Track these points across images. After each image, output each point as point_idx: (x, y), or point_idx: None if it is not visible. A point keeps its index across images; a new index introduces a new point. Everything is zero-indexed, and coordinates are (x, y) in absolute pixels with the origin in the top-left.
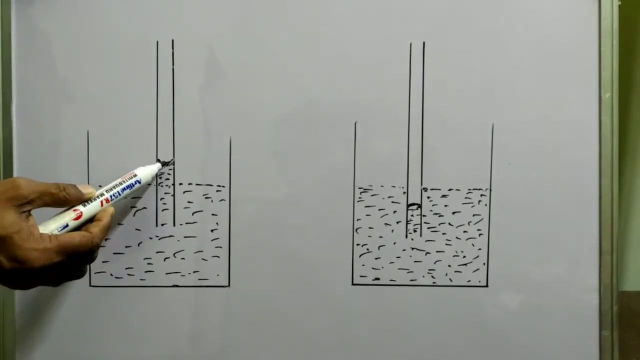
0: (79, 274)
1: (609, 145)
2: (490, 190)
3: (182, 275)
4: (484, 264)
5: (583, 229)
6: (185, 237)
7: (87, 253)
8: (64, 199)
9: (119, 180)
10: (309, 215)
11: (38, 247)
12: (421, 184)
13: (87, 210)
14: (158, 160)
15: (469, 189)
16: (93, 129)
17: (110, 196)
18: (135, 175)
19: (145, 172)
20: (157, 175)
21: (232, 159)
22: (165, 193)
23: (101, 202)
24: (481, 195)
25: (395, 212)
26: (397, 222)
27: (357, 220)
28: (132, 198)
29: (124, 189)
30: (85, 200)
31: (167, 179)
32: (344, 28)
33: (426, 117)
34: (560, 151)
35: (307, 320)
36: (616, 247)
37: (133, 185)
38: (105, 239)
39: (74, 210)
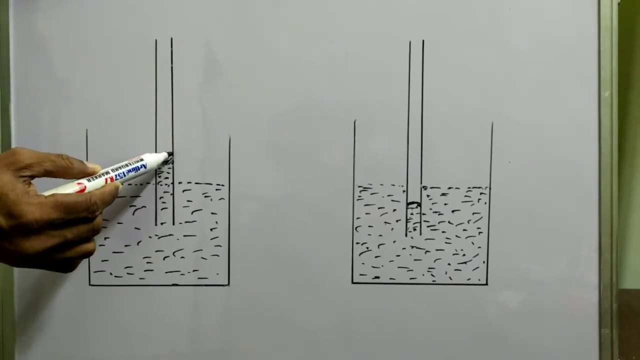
0: (86, 250)
1: (608, 144)
2: (490, 188)
3: (182, 274)
4: (484, 262)
5: (583, 227)
6: (184, 236)
7: (85, 212)
8: (65, 166)
9: (126, 162)
10: (309, 213)
11: (33, 201)
12: (421, 183)
13: (90, 186)
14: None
15: (469, 187)
16: (91, 128)
17: (115, 176)
18: (141, 160)
19: (152, 158)
20: (157, 172)
21: (232, 157)
22: (165, 192)
23: (105, 180)
24: (481, 193)
25: (395, 210)
26: (397, 221)
27: (357, 218)
28: (131, 197)
29: (129, 171)
30: (89, 174)
31: (167, 177)
32: (343, 26)
33: (425, 115)
34: (560, 149)
35: (307, 319)
36: (616, 245)
37: (138, 169)
38: (105, 238)
39: (78, 184)
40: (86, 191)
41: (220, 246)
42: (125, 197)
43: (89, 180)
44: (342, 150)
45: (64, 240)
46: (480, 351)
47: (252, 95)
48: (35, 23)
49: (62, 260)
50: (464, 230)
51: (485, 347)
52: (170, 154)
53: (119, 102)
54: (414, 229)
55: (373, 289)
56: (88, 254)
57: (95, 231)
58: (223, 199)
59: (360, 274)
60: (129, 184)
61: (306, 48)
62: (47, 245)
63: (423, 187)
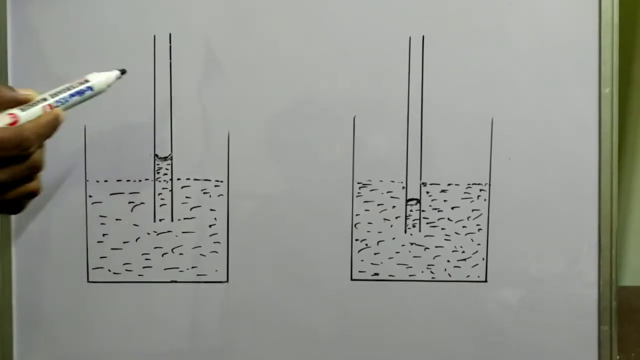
0: (28, 190)
1: (608, 140)
2: (490, 185)
3: (181, 271)
4: (483, 259)
5: (582, 224)
6: (183, 232)
7: (16, 150)
8: None
9: (67, 85)
10: (308, 210)
11: None
12: (420, 179)
13: (25, 116)
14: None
15: (468, 184)
16: (90, 125)
17: (56, 102)
18: (87, 81)
19: (100, 78)
20: (156, 168)
21: (231, 154)
22: (163, 188)
23: (43, 108)
24: (480, 190)
25: (394, 207)
26: (396, 218)
27: (356, 215)
28: (130, 193)
29: (72, 95)
30: (21, 102)
31: (165, 174)
32: (343, 22)
33: (425, 112)
34: (560, 146)
35: (306, 316)
36: (615, 243)
37: (83, 92)
38: (103, 234)
39: (9, 115)
40: (20, 122)
41: (219, 243)
42: (123, 193)
43: (22, 110)
44: (341, 147)
45: None
46: (479, 348)
47: (251, 91)
48: (32, 19)
49: (3, 202)
50: (464, 227)
51: (484, 344)
52: (123, 71)
53: (118, 98)
54: (414, 226)
55: (372, 286)
56: (33, 195)
57: (36, 168)
58: (222, 195)
59: (360, 271)
60: (127, 180)
61: (306, 44)
62: None
63: (422, 183)
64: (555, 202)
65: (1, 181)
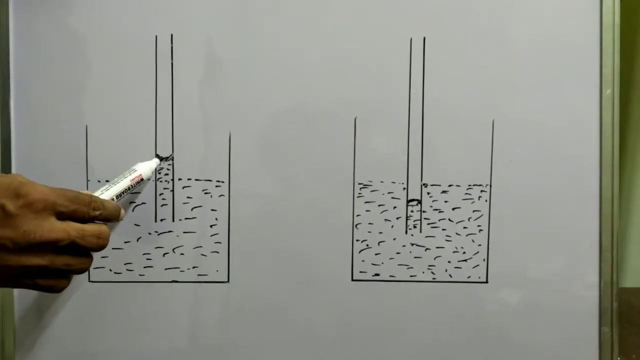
0: (82, 265)
1: (609, 142)
2: (491, 186)
3: (182, 271)
4: (484, 260)
5: (583, 225)
6: (184, 232)
7: (87, 207)
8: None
9: (127, 184)
10: (309, 210)
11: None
12: (421, 180)
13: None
14: (157, 156)
15: (469, 185)
16: (91, 125)
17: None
18: (139, 176)
19: (145, 169)
20: (156, 169)
21: (232, 154)
22: (165, 188)
23: (111, 197)
24: (481, 191)
25: (395, 207)
26: (397, 218)
27: (357, 216)
28: (131, 193)
29: (131, 192)
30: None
31: (167, 174)
32: (344, 23)
33: (426, 113)
34: (561, 147)
35: (307, 316)
36: (616, 244)
37: (137, 184)
38: None
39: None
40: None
41: (220, 243)
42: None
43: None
44: (342, 148)
45: (68, 236)
46: (480, 349)
47: (252, 91)
48: (34, 19)
49: (55, 271)
50: (465, 227)
51: (485, 345)
52: (161, 158)
53: (119, 99)
54: (414, 227)
55: (373, 287)
56: (83, 268)
57: (101, 237)
58: (223, 195)
59: (360, 271)
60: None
61: (307, 45)
62: (52, 238)
63: (423, 184)
64: (556, 203)
65: (70, 236)
